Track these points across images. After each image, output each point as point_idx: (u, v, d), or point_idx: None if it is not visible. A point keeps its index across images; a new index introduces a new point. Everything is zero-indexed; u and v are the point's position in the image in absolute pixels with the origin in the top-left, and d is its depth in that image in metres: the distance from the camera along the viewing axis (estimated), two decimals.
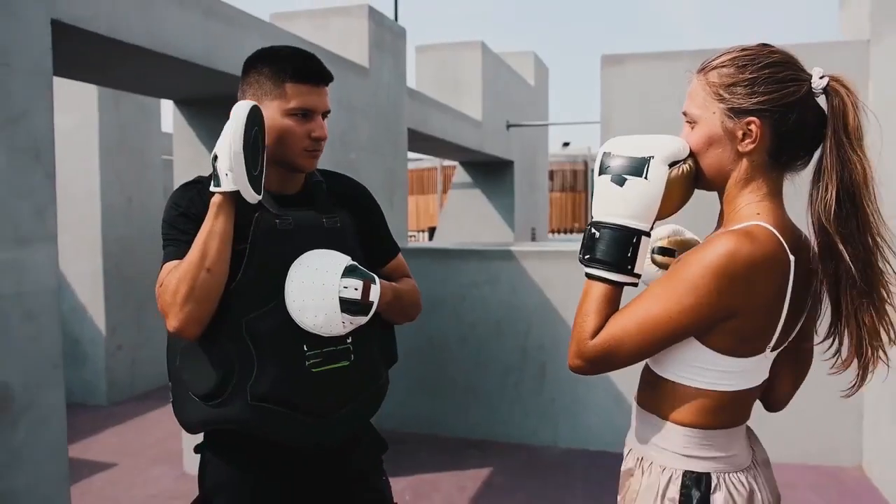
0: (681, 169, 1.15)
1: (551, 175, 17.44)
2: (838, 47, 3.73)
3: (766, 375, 1.18)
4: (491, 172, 8.11)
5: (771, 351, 1.14)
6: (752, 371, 1.14)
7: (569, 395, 4.14)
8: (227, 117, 1.29)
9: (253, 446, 1.40)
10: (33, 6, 2.06)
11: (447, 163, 11.95)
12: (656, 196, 1.12)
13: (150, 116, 5.61)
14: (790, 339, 1.16)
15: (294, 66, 1.40)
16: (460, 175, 8.39)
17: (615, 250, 1.11)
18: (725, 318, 1.08)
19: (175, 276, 1.29)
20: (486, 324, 4.32)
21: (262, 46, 1.45)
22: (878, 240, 1.09)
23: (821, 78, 1.12)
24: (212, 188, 1.32)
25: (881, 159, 3.71)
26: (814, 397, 3.77)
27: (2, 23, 1.96)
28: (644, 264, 1.15)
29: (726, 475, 1.14)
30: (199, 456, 1.49)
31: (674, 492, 1.13)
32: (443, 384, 4.40)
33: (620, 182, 1.13)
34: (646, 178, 1.12)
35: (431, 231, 12.44)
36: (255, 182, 1.31)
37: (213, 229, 1.31)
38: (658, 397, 1.18)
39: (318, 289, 1.32)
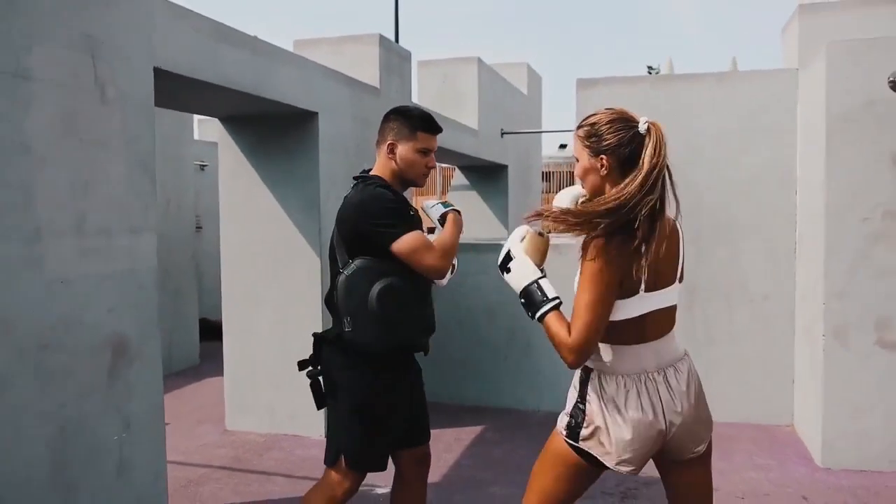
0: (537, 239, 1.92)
1: (548, 176, 18.03)
2: (773, 74, 4.46)
3: (638, 312, 1.80)
4: (487, 176, 8.84)
5: (646, 292, 1.79)
6: (625, 308, 1.79)
7: (550, 368, 4.85)
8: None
9: (389, 356, 2.30)
10: (143, 58, 2.78)
11: (445, 163, 12.63)
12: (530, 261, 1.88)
13: (185, 127, 6.34)
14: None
15: (423, 122, 2.33)
16: (458, 178, 9.12)
17: (534, 299, 1.82)
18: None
19: (441, 242, 2.27)
20: (480, 308, 5.05)
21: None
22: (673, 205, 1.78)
23: (643, 123, 1.79)
24: (446, 208, 2.42)
25: (806, 164, 4.42)
26: (754, 367, 4.52)
27: (123, 72, 2.68)
28: (552, 288, 1.84)
29: (601, 374, 1.83)
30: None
31: (577, 379, 1.90)
32: (443, 359, 5.11)
33: (509, 270, 1.90)
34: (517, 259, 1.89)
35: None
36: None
37: (459, 223, 2.39)
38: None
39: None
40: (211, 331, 7.41)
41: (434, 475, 3.72)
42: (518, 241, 1.92)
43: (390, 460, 2.43)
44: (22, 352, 2.28)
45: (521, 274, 1.87)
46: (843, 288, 3.72)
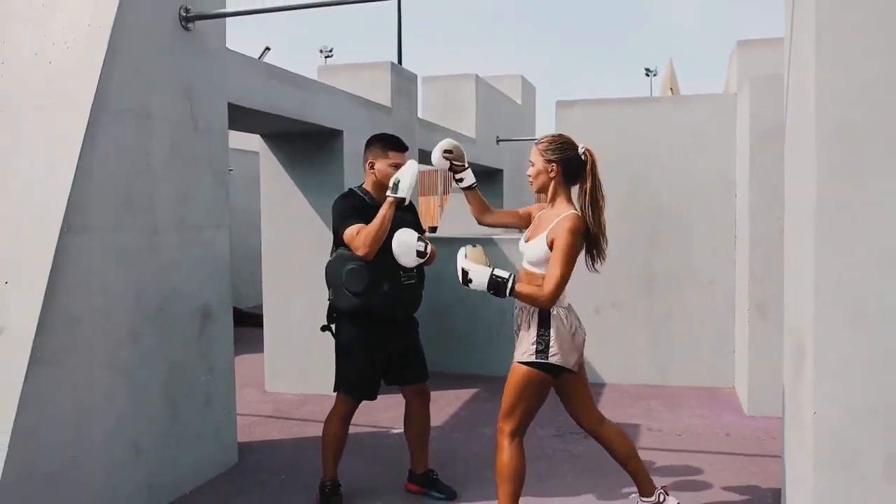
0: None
1: None
2: (718, 98, 5.40)
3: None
4: (484, 179, 9.74)
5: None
6: None
7: None
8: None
9: (366, 317, 3.12)
10: (220, 96, 3.72)
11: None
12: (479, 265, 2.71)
13: None
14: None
15: (394, 143, 3.18)
16: None
17: (498, 284, 2.63)
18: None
19: (366, 231, 3.00)
20: (476, 292, 5.94)
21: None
22: (601, 213, 2.74)
23: (581, 148, 2.79)
24: (390, 194, 3.03)
25: (741, 173, 5.47)
26: (702, 339, 5.45)
27: (208, 108, 3.61)
28: (503, 270, 2.72)
29: (558, 308, 2.75)
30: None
31: (536, 320, 2.78)
32: (446, 335, 6.06)
33: (471, 281, 2.69)
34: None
35: (433, 231, 13.96)
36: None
37: (387, 213, 3.03)
38: (538, 280, 2.80)
39: (406, 245, 3.03)
40: (239, 318, 8.34)
41: (437, 421, 4.67)
42: (464, 258, 2.68)
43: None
44: (148, 314, 3.21)
45: (479, 276, 2.60)
46: (763, 273, 4.66)
